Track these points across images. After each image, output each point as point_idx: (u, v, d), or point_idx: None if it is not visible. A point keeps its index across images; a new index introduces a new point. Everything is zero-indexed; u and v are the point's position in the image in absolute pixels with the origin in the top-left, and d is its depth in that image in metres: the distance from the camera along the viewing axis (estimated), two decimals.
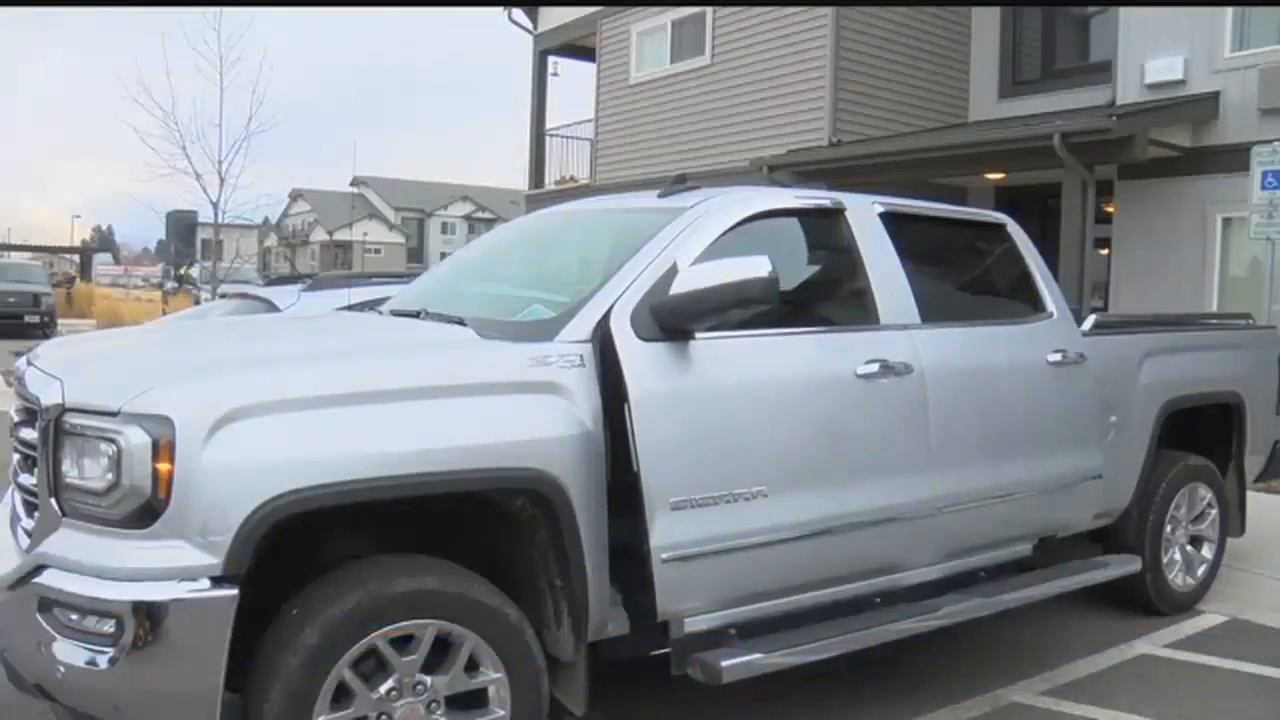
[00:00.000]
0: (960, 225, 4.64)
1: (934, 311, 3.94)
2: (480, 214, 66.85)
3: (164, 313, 18.18)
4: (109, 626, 2.55)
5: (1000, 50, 13.74)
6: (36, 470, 2.80)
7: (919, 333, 3.83)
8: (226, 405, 2.60)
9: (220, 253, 19.33)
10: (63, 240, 64.89)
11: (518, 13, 18.65)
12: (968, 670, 4.21)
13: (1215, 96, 10.46)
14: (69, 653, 2.60)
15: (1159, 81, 10.79)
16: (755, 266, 3.10)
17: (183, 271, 29.98)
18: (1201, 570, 5.15)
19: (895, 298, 3.85)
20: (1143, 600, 4.91)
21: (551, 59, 18.65)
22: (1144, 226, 10.98)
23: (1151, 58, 10.89)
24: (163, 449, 2.54)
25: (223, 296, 11.40)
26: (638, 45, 16.19)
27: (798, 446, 3.47)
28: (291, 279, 9.03)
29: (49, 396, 2.74)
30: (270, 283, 8.51)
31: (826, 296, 4.07)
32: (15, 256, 38.42)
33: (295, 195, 68.99)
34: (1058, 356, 4.27)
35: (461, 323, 3.34)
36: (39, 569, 2.67)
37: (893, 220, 4.01)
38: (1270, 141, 9.08)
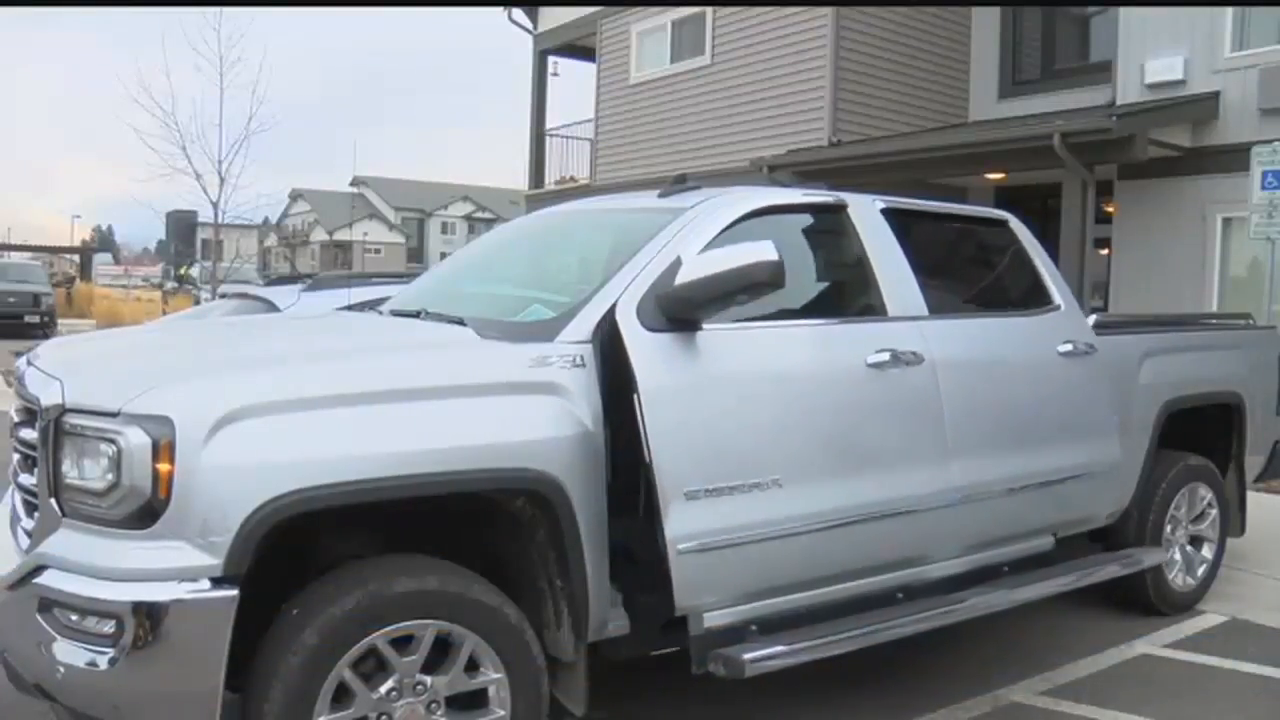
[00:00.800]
0: (963, 222, 4.66)
1: (941, 305, 3.95)
2: (480, 214, 66.84)
3: (164, 313, 18.18)
4: (109, 627, 2.55)
5: (1000, 50, 13.74)
6: (36, 470, 2.80)
7: (927, 324, 3.83)
8: (226, 406, 2.60)
9: (220, 253, 19.34)
10: (63, 240, 64.91)
11: (518, 13, 18.66)
12: (968, 670, 4.21)
13: (1215, 96, 10.46)
14: (69, 653, 2.60)
15: (1159, 81, 10.80)
16: (761, 251, 3.08)
17: (183, 271, 29.99)
18: (1201, 570, 5.14)
19: (902, 291, 3.85)
20: (1143, 600, 4.91)
21: (551, 59, 18.66)
22: (1144, 226, 10.98)
23: (1151, 58, 10.89)
24: (163, 449, 2.54)
25: (223, 296, 11.40)
26: (638, 45, 16.19)
27: (810, 436, 3.44)
28: (291, 279, 9.03)
29: (49, 397, 2.74)
30: (270, 283, 8.51)
31: (832, 291, 4.08)
32: (15, 256, 38.40)
33: (295, 195, 69.00)
34: (1068, 347, 4.28)
35: (461, 323, 3.34)
36: (39, 569, 2.67)
37: (895, 217, 4.02)
38: (1270, 141, 9.08)
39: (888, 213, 4.02)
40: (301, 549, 2.88)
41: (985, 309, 4.29)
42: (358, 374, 2.86)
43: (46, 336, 16.94)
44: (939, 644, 4.49)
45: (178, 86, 21.84)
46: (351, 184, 68.69)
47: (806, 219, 4.02)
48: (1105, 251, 11.56)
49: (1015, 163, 10.90)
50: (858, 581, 3.59)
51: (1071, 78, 12.84)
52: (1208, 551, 5.19)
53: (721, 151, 14.11)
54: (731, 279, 3.08)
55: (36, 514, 2.78)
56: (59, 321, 23.09)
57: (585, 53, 17.65)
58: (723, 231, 3.50)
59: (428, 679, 2.81)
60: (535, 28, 18.66)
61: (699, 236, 3.44)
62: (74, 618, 2.61)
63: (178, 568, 2.53)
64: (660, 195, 3.94)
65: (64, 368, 2.93)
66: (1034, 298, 4.47)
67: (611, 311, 3.18)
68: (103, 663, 2.55)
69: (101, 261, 63.78)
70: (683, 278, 3.16)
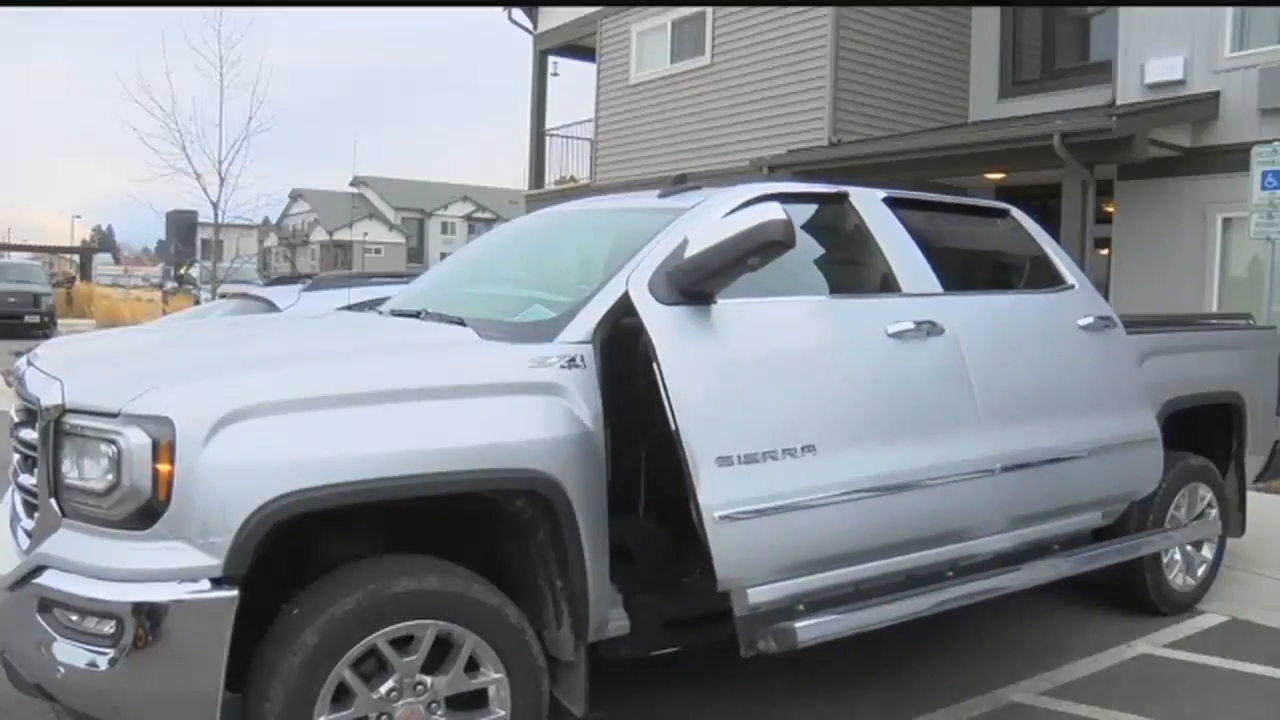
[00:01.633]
0: (966, 212, 4.69)
1: (954, 285, 3.94)
2: (480, 214, 66.83)
3: (164, 313, 18.18)
4: (109, 627, 2.55)
5: (1000, 50, 13.74)
6: (36, 471, 2.80)
7: (943, 299, 3.83)
8: (227, 406, 2.60)
9: (220, 253, 19.33)
10: (63, 240, 64.90)
11: (518, 13, 18.66)
12: (968, 670, 4.21)
13: (1215, 96, 10.46)
14: (69, 653, 2.61)
15: (1159, 81, 10.80)
16: (768, 211, 3.03)
17: (183, 271, 29.96)
18: (1201, 570, 5.14)
19: (913, 271, 3.85)
20: (1143, 600, 4.91)
21: (551, 59, 18.65)
22: (1144, 226, 10.98)
23: (1151, 58, 10.89)
24: (163, 450, 2.54)
25: (223, 296, 11.39)
26: (638, 45, 16.19)
27: (836, 403, 3.40)
28: (291, 279, 9.03)
29: (49, 397, 2.74)
30: (270, 283, 8.50)
31: (843, 273, 4.08)
32: (15, 256, 38.38)
33: (295, 195, 68.97)
34: (1088, 320, 4.29)
35: (462, 323, 3.34)
36: (39, 569, 2.67)
37: (898, 206, 4.05)
38: (1270, 141, 9.08)
39: (890, 201, 4.05)
40: (301, 549, 2.88)
41: (999, 289, 4.30)
42: (358, 374, 2.86)
43: (46, 336, 16.94)
44: (939, 644, 4.50)
45: (178, 86, 21.81)
46: (351, 184, 68.65)
47: (810, 208, 4.02)
48: (1105, 251, 11.56)
49: (1015, 163, 10.90)
50: (904, 557, 3.51)
51: (1071, 78, 12.84)
52: (1208, 551, 5.19)
53: (721, 151, 14.11)
54: (742, 241, 3.02)
55: (36, 514, 2.78)
56: (59, 321, 23.10)
57: (585, 53, 17.65)
58: (726, 217, 3.48)
59: (428, 679, 2.81)
60: (535, 28, 18.66)
61: (704, 223, 3.42)
62: (74, 618, 2.61)
63: (178, 568, 2.53)
64: (660, 195, 3.94)
65: (64, 368, 2.93)
66: (1046, 279, 4.49)
67: (614, 308, 3.18)
68: (103, 663, 2.56)
69: (102, 261, 63.82)
70: (692, 250, 3.12)
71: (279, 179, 63.64)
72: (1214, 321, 6.95)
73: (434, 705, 2.83)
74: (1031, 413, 3.92)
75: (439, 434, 2.84)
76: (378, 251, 64.94)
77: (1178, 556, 5.02)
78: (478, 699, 2.92)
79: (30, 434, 2.91)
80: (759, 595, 3.13)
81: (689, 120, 14.99)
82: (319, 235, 68.36)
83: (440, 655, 2.84)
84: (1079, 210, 10.04)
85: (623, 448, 3.21)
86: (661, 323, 3.08)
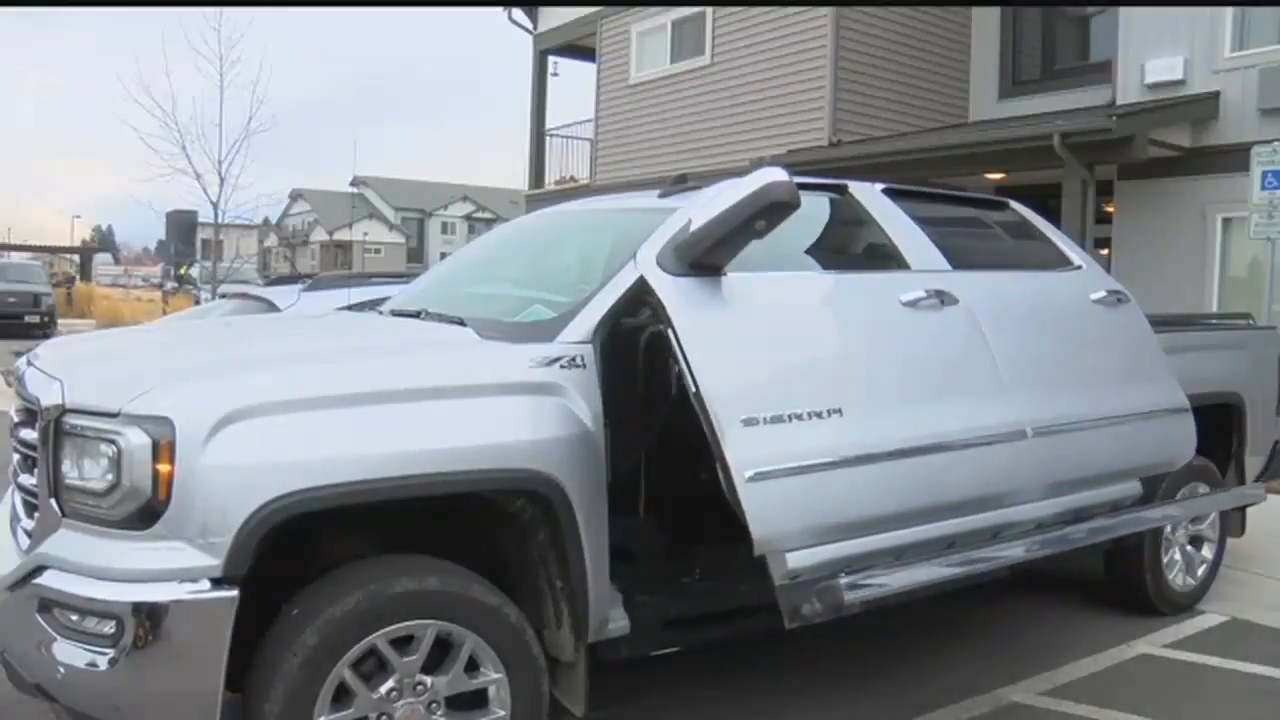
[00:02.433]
0: (966, 203, 4.73)
1: (962, 265, 3.94)
2: (480, 214, 66.82)
3: (164, 313, 18.18)
4: (109, 627, 2.55)
5: (1000, 50, 13.74)
6: (36, 471, 2.80)
7: (954, 274, 3.82)
8: (227, 406, 2.60)
9: (220, 253, 19.34)
10: (63, 240, 64.91)
11: (518, 13, 18.66)
12: (968, 670, 4.21)
13: (1215, 96, 10.46)
14: (69, 653, 2.61)
15: (1159, 81, 10.79)
16: (770, 174, 3.01)
17: (183, 271, 29.97)
18: (1201, 570, 5.14)
19: (920, 252, 3.86)
20: (1143, 600, 4.91)
21: (551, 59, 18.65)
22: (1144, 226, 10.98)
23: (1151, 58, 10.89)
24: (163, 450, 2.54)
25: (223, 296, 11.39)
26: (638, 45, 16.19)
27: (858, 367, 3.37)
28: (291, 279, 9.02)
29: (49, 397, 2.74)
30: (270, 283, 8.50)
31: (849, 258, 4.09)
32: (15, 256, 38.39)
33: (295, 195, 69.00)
34: (1101, 294, 4.31)
35: (462, 323, 3.34)
36: (39, 569, 2.67)
37: (898, 196, 4.07)
38: (1270, 141, 9.08)
39: (889, 192, 4.08)
40: (301, 549, 2.88)
41: (1007, 269, 4.34)
42: (358, 374, 2.86)
43: (46, 336, 16.94)
44: (939, 644, 4.50)
45: (178, 86, 21.85)
46: (351, 184, 68.62)
47: (811, 197, 4.03)
48: (1105, 251, 11.56)
49: (1015, 163, 10.90)
50: (944, 523, 3.44)
51: (1071, 78, 12.84)
52: (1208, 551, 5.19)
53: (721, 151, 14.11)
54: (747, 205, 2.97)
55: (36, 514, 2.78)
56: (59, 321, 23.09)
57: (585, 53, 17.65)
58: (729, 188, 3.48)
59: (428, 679, 2.81)
60: (535, 28, 18.66)
61: (704, 213, 3.41)
62: (74, 618, 2.61)
63: (178, 568, 2.53)
64: (660, 195, 3.94)
65: (64, 368, 2.93)
66: (1052, 261, 4.51)
67: (614, 308, 3.18)
68: (103, 663, 2.56)
69: (102, 261, 63.82)
70: (698, 222, 3.07)
71: (279, 179, 63.77)
72: (1214, 321, 6.95)
73: (434, 705, 2.83)
74: (1055, 380, 3.89)
75: (439, 434, 2.84)
76: (378, 251, 64.93)
77: (1178, 556, 5.02)
78: (478, 699, 2.92)
79: (30, 434, 2.91)
80: (798, 560, 3.02)
81: (689, 120, 14.99)
82: (319, 235, 68.36)
83: (440, 655, 2.84)
84: (1079, 210, 10.04)
85: (623, 448, 3.21)
86: (673, 292, 3.02)
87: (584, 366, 3.11)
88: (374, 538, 3.02)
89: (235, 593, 2.55)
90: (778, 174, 3.00)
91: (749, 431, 2.95)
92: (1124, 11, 11.24)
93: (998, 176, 12.09)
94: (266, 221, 50.06)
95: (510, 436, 2.93)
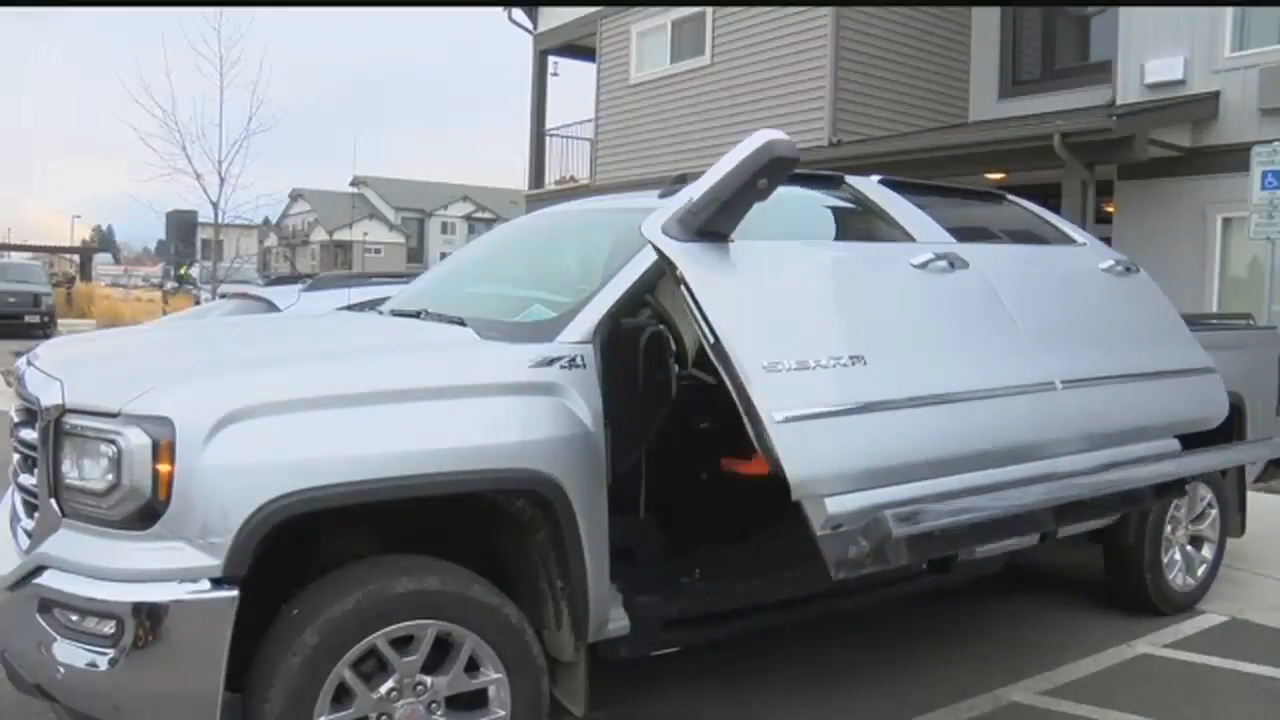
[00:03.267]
0: (961, 195, 4.79)
1: (967, 239, 3.94)
2: (480, 214, 66.81)
3: (164, 313, 18.18)
4: (109, 627, 2.55)
5: (1000, 50, 13.74)
6: (36, 471, 2.80)
7: (960, 245, 3.82)
8: (227, 406, 2.60)
9: (220, 253, 19.33)
10: (63, 240, 64.81)
11: (518, 13, 18.66)
12: (968, 670, 4.21)
13: (1215, 96, 10.46)
14: (69, 653, 2.60)
15: (1159, 81, 10.80)
16: (768, 134, 2.97)
17: (183, 271, 29.98)
18: (1201, 570, 5.14)
19: (924, 227, 3.87)
20: (1143, 600, 4.91)
21: (551, 59, 18.65)
22: (1144, 227, 10.98)
23: (1151, 58, 10.89)
24: (163, 450, 2.54)
25: (223, 296, 11.40)
26: (638, 45, 16.19)
27: (877, 321, 3.34)
28: (291, 279, 9.03)
29: (49, 397, 2.74)
30: (270, 283, 8.51)
31: (856, 234, 4.09)
32: (15, 256, 38.40)
33: (295, 195, 68.97)
34: (1109, 263, 4.35)
35: (462, 323, 3.34)
36: (39, 570, 2.67)
37: (894, 186, 4.12)
38: (1270, 141, 9.08)
39: (885, 182, 4.14)
40: (302, 549, 2.88)
41: (1012, 244, 4.39)
42: (358, 374, 2.86)
43: (46, 336, 16.95)
44: (939, 644, 4.50)
45: (178, 86, 21.83)
46: (351, 184, 68.66)
47: (810, 189, 4.06)
48: None
49: (1015, 163, 10.90)
50: (985, 471, 3.36)
51: (1071, 78, 12.84)
52: (1208, 551, 5.19)
53: (721, 151, 13.83)
54: (748, 164, 2.93)
55: (36, 514, 2.78)
56: (59, 321, 23.09)
57: (585, 53, 17.65)
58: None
59: (428, 679, 2.81)
60: (535, 28, 18.66)
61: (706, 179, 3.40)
62: (74, 618, 2.61)
63: (178, 568, 2.53)
64: (660, 195, 3.94)
65: (64, 368, 2.93)
66: (1055, 239, 4.57)
67: (615, 308, 3.20)
68: (103, 663, 2.56)
69: (102, 261, 63.84)
70: (700, 190, 3.03)
71: (279, 179, 63.75)
72: (1214, 321, 6.95)
73: (434, 705, 2.83)
74: (1077, 338, 3.89)
75: (439, 434, 2.84)
76: (378, 251, 64.93)
77: (1178, 556, 5.02)
78: (478, 699, 2.92)
79: (30, 434, 2.91)
80: (837, 506, 2.90)
81: (689, 120, 14.99)
82: (319, 235, 68.36)
83: (440, 655, 2.84)
84: (1079, 210, 10.04)
85: (623, 448, 3.20)
86: (683, 252, 2.97)
87: (584, 366, 3.11)
88: (374, 538, 3.02)
89: (235, 593, 2.55)
90: (776, 133, 2.96)
91: (773, 377, 2.88)
92: (1124, 11, 11.24)
93: (998, 176, 12.08)
94: (266, 221, 50.12)
95: (510, 437, 2.93)
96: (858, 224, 4.10)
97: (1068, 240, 4.57)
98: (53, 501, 2.69)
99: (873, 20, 13.38)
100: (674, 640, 3.47)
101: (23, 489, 3.02)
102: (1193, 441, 5.03)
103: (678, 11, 15.27)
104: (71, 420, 2.67)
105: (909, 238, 3.81)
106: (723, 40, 14.57)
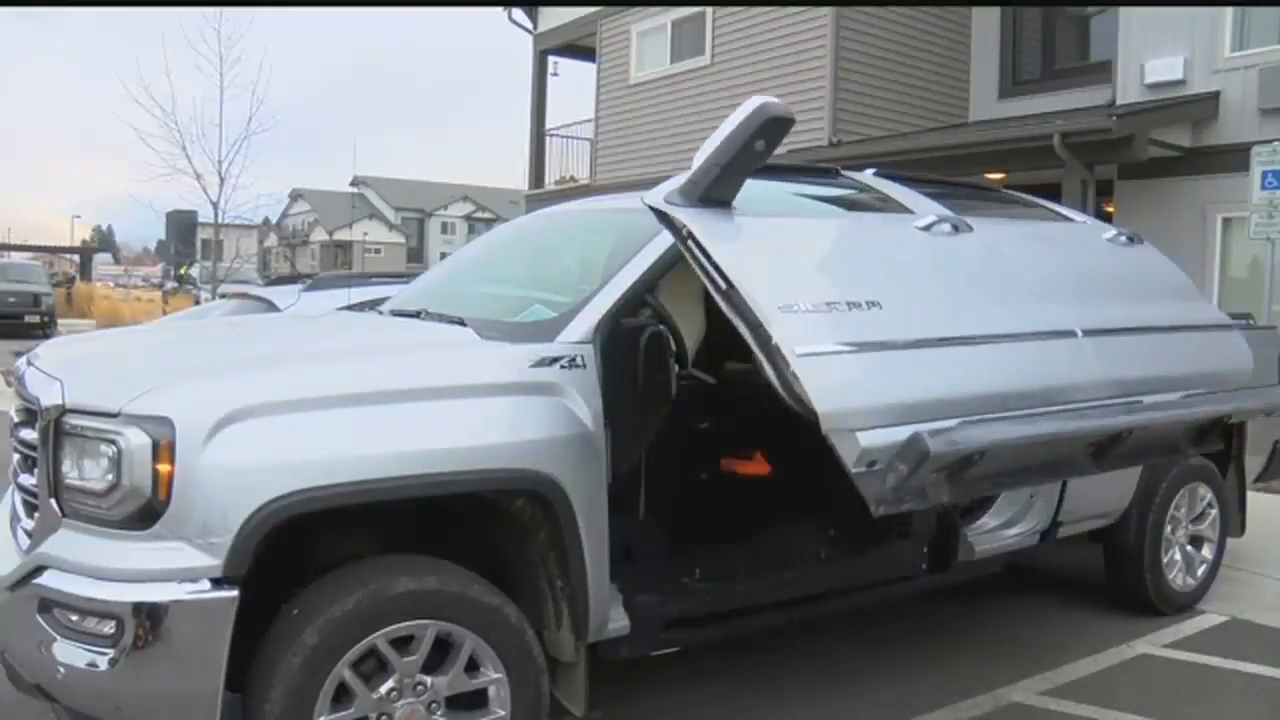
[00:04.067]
0: (956, 184, 4.85)
1: (966, 214, 3.95)
2: (480, 214, 66.80)
3: (164, 313, 18.18)
4: (109, 627, 2.55)
5: (1000, 50, 13.75)
6: (36, 471, 2.80)
7: (962, 216, 3.84)
8: (227, 406, 2.60)
9: (220, 253, 19.33)
10: (63, 240, 64.88)
11: (518, 13, 18.66)
12: (968, 670, 4.21)
13: (1215, 96, 10.46)
14: (69, 653, 2.60)
15: (1159, 81, 10.80)
16: (760, 98, 2.96)
17: (183, 271, 29.99)
18: (1201, 570, 5.14)
19: (922, 204, 3.88)
20: (1143, 600, 4.91)
21: (551, 59, 18.66)
22: (1144, 226, 10.84)
23: (1151, 58, 10.89)
24: (163, 450, 2.54)
25: (223, 296, 11.41)
26: (638, 45, 16.19)
27: (889, 272, 3.34)
28: (291, 279, 9.04)
29: (49, 397, 2.74)
30: (270, 283, 8.53)
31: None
32: (15, 256, 38.42)
33: (295, 195, 68.97)
34: (1112, 233, 4.45)
35: (462, 323, 3.34)
36: (39, 570, 2.67)
37: (889, 177, 4.17)
38: (1270, 141, 9.08)
39: (880, 174, 4.19)
40: (302, 549, 2.88)
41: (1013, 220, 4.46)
42: (358, 374, 2.86)
43: (46, 336, 16.95)
44: (939, 644, 4.50)
45: (178, 86, 21.81)
46: (351, 184, 68.64)
47: (805, 179, 4.14)
48: None
49: (1015, 163, 10.90)
50: (1013, 411, 3.28)
51: (1071, 78, 12.84)
52: (1208, 551, 5.19)
53: None
54: (744, 127, 2.92)
55: (36, 514, 2.78)
56: (59, 321, 23.10)
57: (585, 53, 17.65)
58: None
59: (428, 679, 2.81)
60: (535, 28, 18.66)
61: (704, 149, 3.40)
62: (74, 618, 2.61)
63: (178, 568, 2.53)
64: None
65: (64, 368, 2.93)
66: (1054, 219, 4.65)
67: (615, 308, 3.20)
68: (103, 663, 2.56)
69: (102, 261, 63.83)
70: (698, 162, 3.02)
71: (279, 179, 63.75)
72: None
73: (434, 705, 2.83)
74: (1089, 293, 3.91)
75: (439, 434, 2.84)
76: (378, 251, 64.93)
77: (1178, 556, 5.02)
78: (478, 699, 2.91)
79: (30, 434, 2.91)
80: (870, 440, 2.81)
81: (689, 120, 14.99)
82: (319, 235, 68.36)
83: (440, 655, 2.84)
84: (1079, 210, 10.05)
85: (623, 448, 3.20)
86: (687, 213, 2.98)
87: (584, 366, 3.11)
88: (374, 538, 3.02)
89: (235, 593, 2.55)
90: (769, 97, 2.97)
91: (790, 317, 2.86)
92: (1124, 11, 11.24)
93: (998, 176, 12.08)
94: (266, 221, 50.08)
95: (510, 437, 2.93)
96: (857, 205, 4.13)
97: (1066, 219, 4.68)
98: (53, 501, 2.69)
99: (873, 20, 13.38)
100: (674, 640, 3.47)
101: (23, 489, 3.02)
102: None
103: (678, 11, 15.27)
104: (71, 420, 2.67)
105: (909, 213, 3.83)
106: (723, 40, 14.57)
